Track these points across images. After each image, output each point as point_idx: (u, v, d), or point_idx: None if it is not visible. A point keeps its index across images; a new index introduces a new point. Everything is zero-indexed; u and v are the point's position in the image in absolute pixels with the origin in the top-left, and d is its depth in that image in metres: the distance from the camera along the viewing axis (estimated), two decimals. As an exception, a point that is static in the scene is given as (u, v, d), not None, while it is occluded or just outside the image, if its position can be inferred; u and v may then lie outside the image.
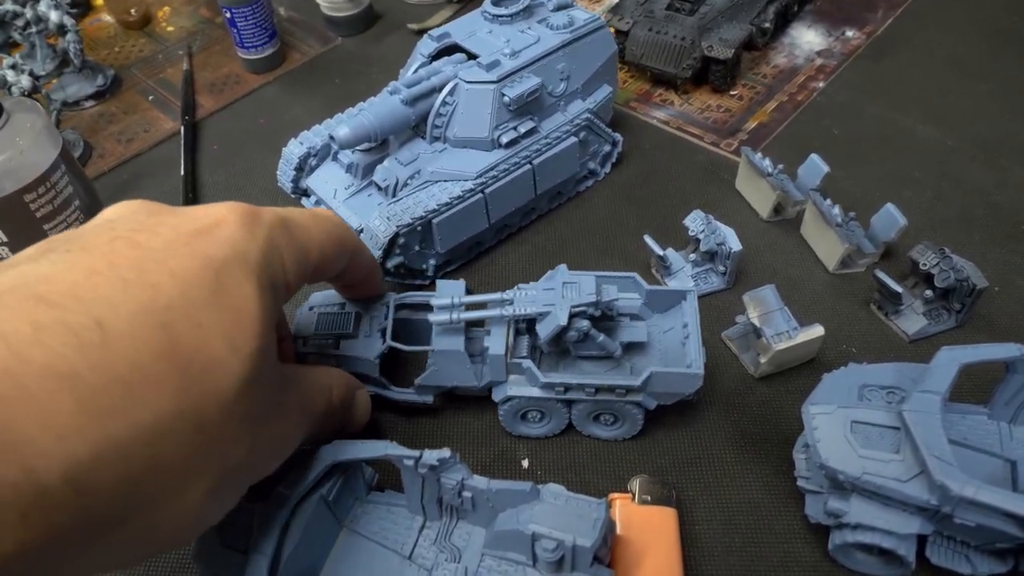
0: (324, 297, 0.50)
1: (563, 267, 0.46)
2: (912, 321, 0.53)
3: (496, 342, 0.45)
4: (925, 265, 0.53)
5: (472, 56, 0.59)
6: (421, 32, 0.86)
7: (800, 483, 0.44)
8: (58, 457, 0.24)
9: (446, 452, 0.38)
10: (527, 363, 0.45)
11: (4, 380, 0.24)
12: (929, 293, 0.52)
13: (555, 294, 0.44)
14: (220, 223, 0.33)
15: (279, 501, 0.38)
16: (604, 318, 0.46)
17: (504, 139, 0.57)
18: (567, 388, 0.45)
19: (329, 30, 0.88)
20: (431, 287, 0.60)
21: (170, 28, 0.91)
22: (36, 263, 0.29)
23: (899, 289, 0.52)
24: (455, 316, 0.45)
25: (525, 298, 0.45)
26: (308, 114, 0.77)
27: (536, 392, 0.46)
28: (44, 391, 0.24)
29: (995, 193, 0.63)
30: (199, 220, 0.33)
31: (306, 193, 0.62)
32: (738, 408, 0.50)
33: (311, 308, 0.50)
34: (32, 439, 0.24)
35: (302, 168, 0.61)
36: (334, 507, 0.41)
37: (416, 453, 0.38)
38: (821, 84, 0.75)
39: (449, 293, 0.46)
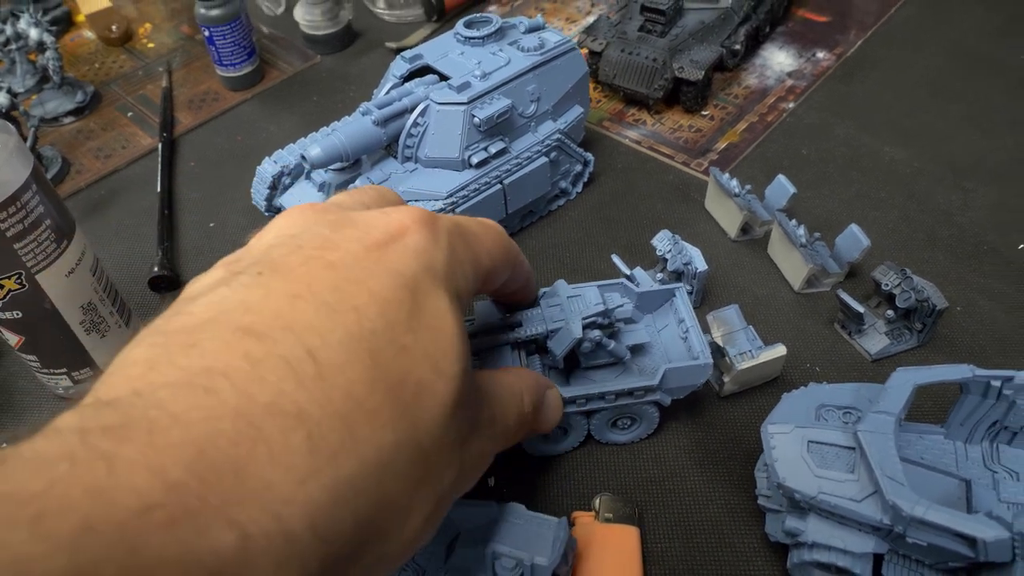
0: None
1: (562, 282, 0.47)
2: (874, 340, 0.54)
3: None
4: (887, 285, 0.53)
5: (444, 77, 0.60)
6: (400, 51, 0.87)
7: (760, 502, 0.45)
8: (301, 503, 0.23)
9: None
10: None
11: (238, 421, 0.23)
12: (891, 313, 0.53)
13: (561, 309, 0.45)
14: (404, 232, 0.31)
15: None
16: (605, 326, 0.46)
17: (474, 159, 0.58)
18: (588, 399, 0.46)
19: (308, 48, 0.89)
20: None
21: (151, 45, 0.92)
22: (229, 288, 0.27)
23: (861, 309, 0.52)
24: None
25: (533, 318, 0.46)
26: (285, 131, 0.77)
27: None
28: (277, 431, 0.23)
29: (959, 214, 0.64)
30: (382, 230, 0.31)
31: (279, 211, 0.62)
32: (702, 427, 0.51)
33: None
34: (274, 484, 0.22)
35: (275, 187, 0.61)
36: None
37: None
38: (791, 105, 0.77)
39: (487, 315, 0.47)
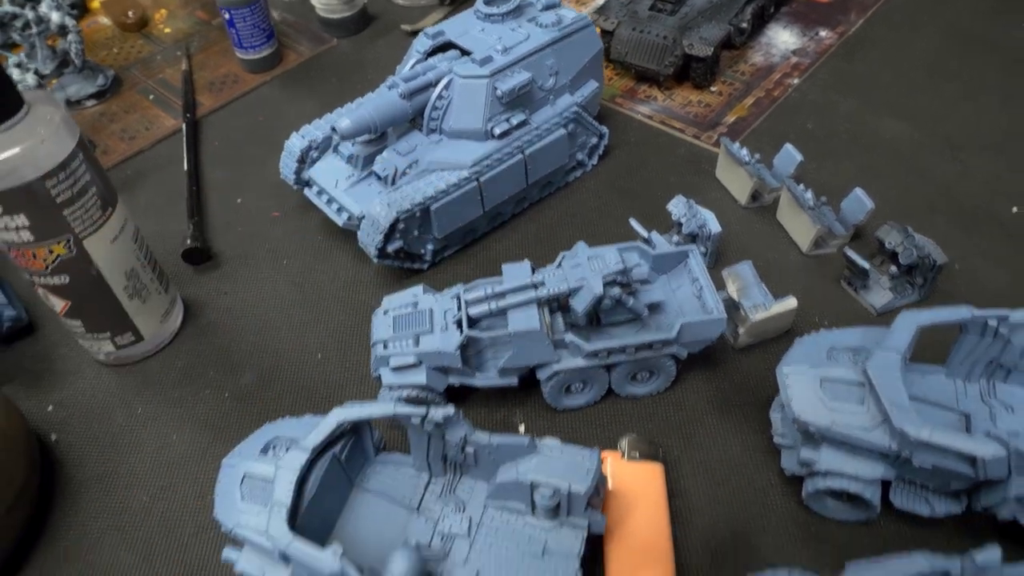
0: (397, 299, 0.53)
1: (582, 244, 0.50)
2: (879, 296, 0.57)
3: (532, 321, 0.48)
4: (890, 244, 0.57)
5: (466, 53, 0.62)
6: (414, 33, 0.90)
7: (776, 440, 0.48)
8: None
9: (450, 409, 0.41)
10: (570, 336, 0.48)
11: None
12: (894, 269, 0.56)
13: (582, 269, 0.48)
14: None
15: (294, 458, 0.41)
16: (624, 285, 0.49)
17: (497, 130, 0.60)
18: (609, 353, 0.49)
19: (324, 32, 0.91)
20: (430, 271, 0.63)
21: (167, 30, 0.94)
22: None
23: (866, 266, 0.55)
24: (493, 306, 0.48)
25: (555, 278, 0.48)
26: (305, 112, 0.80)
27: (582, 363, 0.49)
28: None
29: (956, 184, 0.67)
30: None
31: (308, 184, 0.65)
32: (719, 376, 0.54)
33: (385, 312, 0.52)
34: None
35: (304, 160, 0.64)
36: (346, 467, 0.44)
37: (422, 410, 0.41)
38: (796, 81, 0.80)
39: (515, 276, 0.49)
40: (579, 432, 0.51)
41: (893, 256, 0.57)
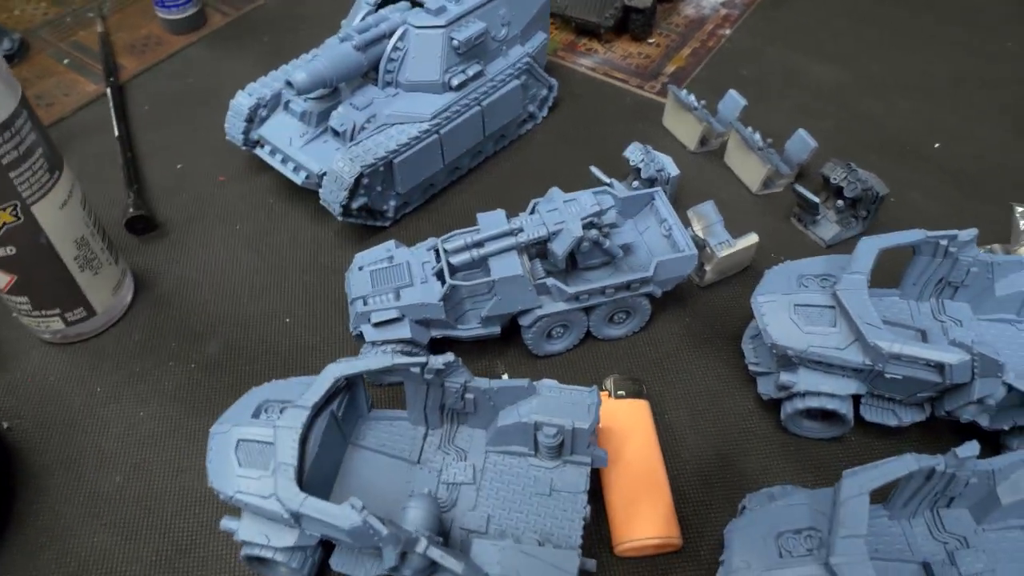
0: (370, 255, 0.52)
1: (556, 189, 0.50)
2: (827, 229, 0.60)
3: (515, 267, 0.48)
4: (835, 179, 0.60)
5: (416, 4, 0.61)
6: (343, -10, 0.87)
7: (751, 368, 0.50)
8: None
9: (450, 356, 0.41)
10: (551, 281, 0.49)
11: None
12: (841, 203, 0.60)
13: (559, 213, 0.48)
14: None
15: (295, 416, 0.40)
16: (598, 228, 0.50)
17: (455, 81, 0.60)
18: (590, 295, 0.49)
19: (248, -10, 0.87)
20: (392, 227, 0.62)
21: (74, -10, 0.88)
22: None
23: (816, 199, 0.58)
24: (475, 254, 0.48)
25: (533, 222, 0.49)
26: (238, 73, 0.76)
27: (563, 306, 0.50)
28: None
29: (887, 121, 0.71)
30: None
31: (258, 143, 0.62)
32: (688, 313, 0.56)
33: (360, 268, 0.51)
34: None
35: (252, 119, 0.61)
36: (342, 424, 0.43)
37: (422, 359, 0.41)
38: (728, 31, 0.82)
39: (492, 224, 0.49)
40: (562, 376, 0.52)
41: (838, 191, 0.60)
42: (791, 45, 0.81)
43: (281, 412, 0.42)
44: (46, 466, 0.49)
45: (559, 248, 0.48)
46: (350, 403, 0.44)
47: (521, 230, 0.49)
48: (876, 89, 0.75)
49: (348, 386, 0.43)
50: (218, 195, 0.65)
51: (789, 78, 0.77)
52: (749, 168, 0.64)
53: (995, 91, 0.75)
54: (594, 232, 0.49)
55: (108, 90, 0.73)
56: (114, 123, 0.69)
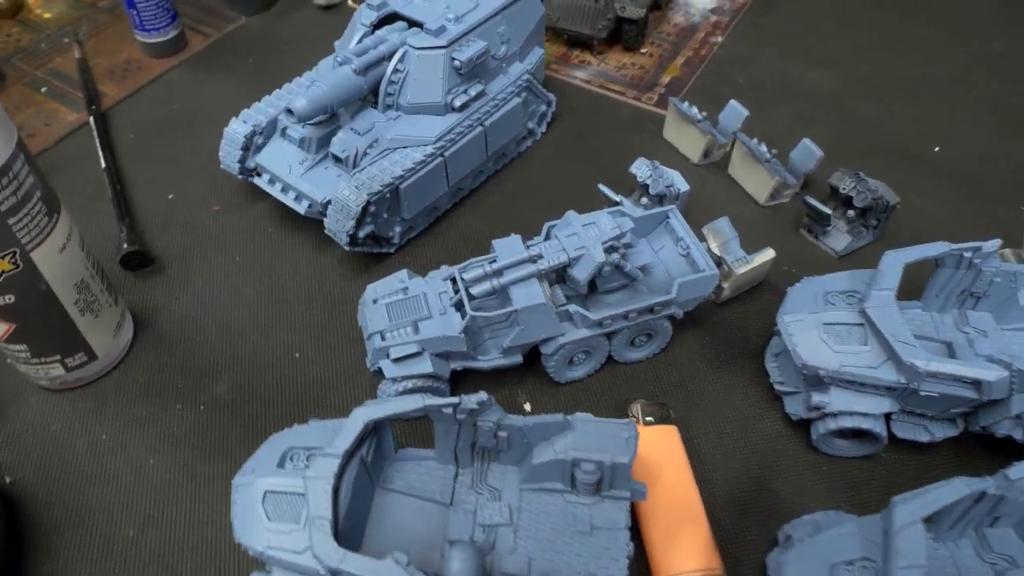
0: (383, 287, 0.50)
1: (572, 213, 0.49)
2: (838, 240, 0.60)
3: (538, 295, 0.47)
4: (844, 189, 0.59)
5: (414, 23, 0.59)
6: (327, 8, 0.85)
7: (777, 387, 0.50)
8: None
9: (483, 395, 0.40)
10: (573, 307, 0.47)
11: None
12: (851, 213, 0.59)
13: (578, 238, 0.47)
14: None
15: (325, 466, 0.38)
16: (615, 251, 0.49)
17: (457, 102, 0.58)
18: (613, 319, 0.48)
19: (228, 10, 0.84)
20: (398, 254, 0.60)
21: (47, 15, 0.84)
22: None
23: (828, 211, 0.58)
24: (495, 283, 0.47)
25: (552, 248, 0.47)
26: (225, 96, 0.74)
27: (586, 333, 0.48)
28: None
29: (884, 125, 0.72)
30: None
31: (256, 172, 0.60)
32: (707, 332, 0.55)
33: (375, 301, 0.49)
34: None
35: (248, 147, 0.59)
36: (370, 469, 0.41)
37: (454, 400, 0.39)
38: (720, 39, 0.82)
39: (509, 251, 0.48)
40: (585, 403, 0.51)
41: (847, 201, 0.60)
42: (782, 51, 0.80)
43: (308, 460, 0.40)
44: (53, 522, 0.46)
45: (581, 274, 0.47)
46: (377, 446, 0.42)
47: (540, 256, 0.48)
48: (870, 93, 0.75)
49: (374, 428, 0.42)
50: (214, 226, 0.63)
51: (783, 85, 0.76)
52: (756, 180, 0.64)
53: (985, 92, 0.75)
54: (615, 256, 0.48)
55: (91, 119, 0.70)
56: (100, 153, 0.67)
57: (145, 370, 0.53)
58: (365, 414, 0.40)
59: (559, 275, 0.50)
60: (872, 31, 0.83)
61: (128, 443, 0.50)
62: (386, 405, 0.40)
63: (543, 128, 0.70)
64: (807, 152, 0.62)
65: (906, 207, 0.64)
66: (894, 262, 0.47)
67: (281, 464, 0.41)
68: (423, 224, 0.62)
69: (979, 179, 0.66)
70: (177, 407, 0.51)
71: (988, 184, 0.66)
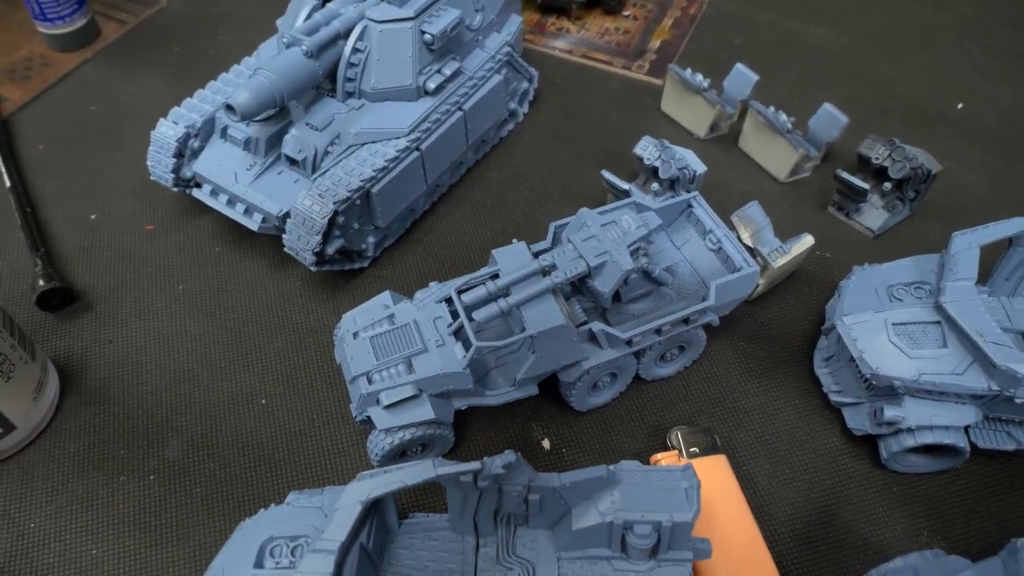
0: (363, 315, 0.41)
1: (585, 210, 0.41)
2: (873, 216, 0.53)
3: (555, 316, 0.38)
4: (877, 158, 0.52)
5: (373, -7, 0.50)
6: (262, -18, 0.74)
7: (833, 398, 0.43)
8: None
9: (510, 456, 0.32)
10: (597, 326, 0.39)
11: None
12: (887, 185, 0.52)
13: (597, 241, 0.39)
14: None
15: (317, 564, 0.30)
16: (643, 253, 0.41)
17: (431, 84, 0.49)
18: (644, 336, 0.41)
19: (146, -10, 0.73)
20: (371, 268, 0.52)
21: (-72, 7, 0.72)
22: None
23: (865, 186, 0.51)
24: (503, 305, 0.38)
25: (567, 256, 0.39)
26: (150, 91, 0.64)
27: (613, 354, 0.41)
28: None
29: (897, 85, 0.65)
30: None
31: (195, 183, 0.50)
32: (742, 335, 0.48)
33: (355, 335, 0.40)
34: None
35: (182, 154, 0.50)
36: (372, 554, 0.33)
37: (475, 466, 0.31)
38: (707, -4, 0.74)
39: (514, 262, 0.40)
40: (613, 433, 0.44)
41: (879, 172, 0.53)
42: (779, 7, 0.73)
43: (294, 554, 0.32)
44: (-27, 643, 0.37)
45: (605, 286, 0.39)
46: (378, 522, 0.34)
47: (554, 267, 0.39)
48: (879, 50, 0.68)
49: (374, 503, 0.34)
50: (148, 249, 0.53)
51: (786, 44, 0.69)
52: (774, 154, 0.56)
53: (1001, 41, 0.69)
54: (644, 260, 0.40)
55: (-11, 129, 0.59)
56: (2, 171, 0.56)
57: (78, 436, 0.44)
58: (362, 492, 0.32)
59: (574, 285, 0.41)
60: (869, -21, 0.76)
61: (63, 530, 0.40)
62: (387, 478, 0.32)
63: (525, 108, 0.61)
64: (829, 118, 0.55)
65: (940, 173, 0.57)
66: (966, 245, 0.40)
67: (259, 563, 0.32)
68: (399, 230, 0.53)
69: (1011, 137, 0.60)
70: (121, 479, 0.42)
71: (1021, 142, 0.59)
